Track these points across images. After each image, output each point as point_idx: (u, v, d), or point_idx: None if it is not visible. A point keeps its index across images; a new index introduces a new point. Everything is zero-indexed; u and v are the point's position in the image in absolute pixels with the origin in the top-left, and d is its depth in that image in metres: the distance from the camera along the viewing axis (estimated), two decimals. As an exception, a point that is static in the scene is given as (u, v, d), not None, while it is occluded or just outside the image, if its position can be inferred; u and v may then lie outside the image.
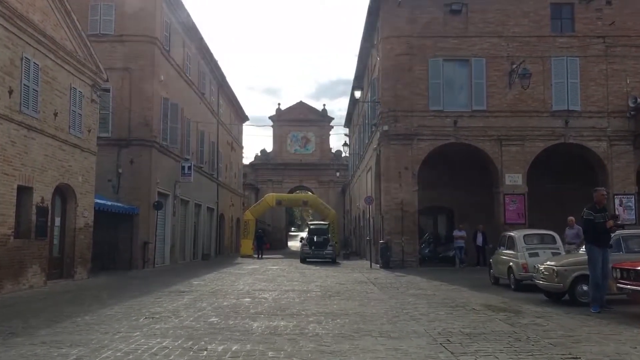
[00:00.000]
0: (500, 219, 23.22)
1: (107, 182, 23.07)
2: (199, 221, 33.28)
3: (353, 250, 39.60)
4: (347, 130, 51.36)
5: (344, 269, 23.86)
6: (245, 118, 50.82)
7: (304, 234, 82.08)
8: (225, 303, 11.01)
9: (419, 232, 23.89)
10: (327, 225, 31.34)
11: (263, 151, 62.94)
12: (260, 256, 36.77)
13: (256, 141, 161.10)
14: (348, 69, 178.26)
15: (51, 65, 14.96)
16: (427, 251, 24.90)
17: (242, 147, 51.38)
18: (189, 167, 27.57)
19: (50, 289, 14.17)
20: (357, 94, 24.36)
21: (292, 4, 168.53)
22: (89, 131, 17.48)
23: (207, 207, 35.27)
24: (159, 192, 24.78)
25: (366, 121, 31.16)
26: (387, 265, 22.95)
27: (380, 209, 24.52)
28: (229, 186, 43.15)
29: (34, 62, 14.04)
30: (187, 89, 29.22)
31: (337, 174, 54.43)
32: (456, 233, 23.64)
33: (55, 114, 15.15)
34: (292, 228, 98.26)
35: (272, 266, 25.57)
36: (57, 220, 16.11)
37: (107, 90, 23.29)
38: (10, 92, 12.98)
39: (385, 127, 23.56)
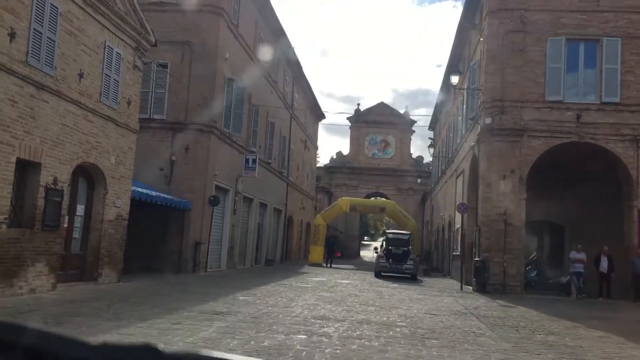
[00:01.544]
0: (631, 241, 18.39)
1: (158, 171, 20.15)
2: (263, 223, 30.03)
3: (434, 266, 35.16)
4: (431, 134, 47.03)
5: (429, 289, 19.70)
6: (321, 116, 47.48)
7: (378, 244, 77.97)
8: (265, 342, 7.26)
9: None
10: (408, 236, 27.16)
11: (339, 154, 59.44)
12: (329, 265, 33.33)
13: (331, 146, 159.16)
14: (428, 80, 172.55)
15: (77, 12, 11.89)
16: (533, 275, 20.22)
17: (316, 147, 48.07)
18: (254, 161, 24.29)
19: (56, 296, 11.00)
20: (454, 79, 20.24)
21: (371, 12, 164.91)
22: (129, 103, 14.37)
23: (274, 208, 32.00)
24: (217, 185, 21.60)
25: (459, 117, 26.86)
26: (482, 288, 18.61)
27: (477, 220, 20.19)
28: (300, 187, 39.81)
29: (51, 4, 10.98)
30: (256, 74, 26.02)
31: (419, 180, 49.94)
32: (574, 255, 18.83)
33: (81, 75, 12.08)
34: (365, 237, 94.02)
35: (342, 279, 21.76)
36: (80, 209, 13.04)
37: (165, 67, 20.47)
38: (12, 35, 9.93)
39: (488, 120, 19.27)
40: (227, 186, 22.89)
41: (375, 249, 62.52)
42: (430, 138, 45.22)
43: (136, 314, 8.95)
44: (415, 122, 58.87)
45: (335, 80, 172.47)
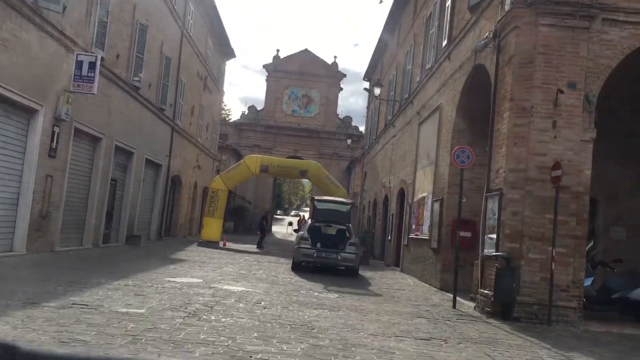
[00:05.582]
0: None
1: None
2: (127, 180, 19.65)
3: (367, 249, 26.06)
4: (367, 86, 37.75)
5: (396, 304, 10.31)
6: (230, 54, 36.96)
7: (292, 219, 67.48)
8: None
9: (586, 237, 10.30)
10: (348, 207, 17.66)
11: (251, 108, 49.33)
12: (260, 246, 24.91)
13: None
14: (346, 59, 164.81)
15: None
16: (588, 284, 10.85)
17: (222, 93, 37.57)
18: (92, 66, 13.83)
19: None
20: None
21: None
22: None
23: (147, 160, 21.55)
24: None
25: (431, 30, 17.52)
26: (506, 311, 9.53)
27: (489, 179, 10.93)
28: (195, 139, 29.42)
29: None
30: None
31: (349, 141, 40.82)
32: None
33: None
34: (278, 211, 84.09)
35: (234, 280, 11.95)
36: None
37: None
38: None
39: (529, -13, 9.98)
40: (29, 100, 12.35)
41: (290, 223, 52.98)
42: (365, 89, 35.85)
43: None
44: (345, 75, 49.62)
45: (247, 53, 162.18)
